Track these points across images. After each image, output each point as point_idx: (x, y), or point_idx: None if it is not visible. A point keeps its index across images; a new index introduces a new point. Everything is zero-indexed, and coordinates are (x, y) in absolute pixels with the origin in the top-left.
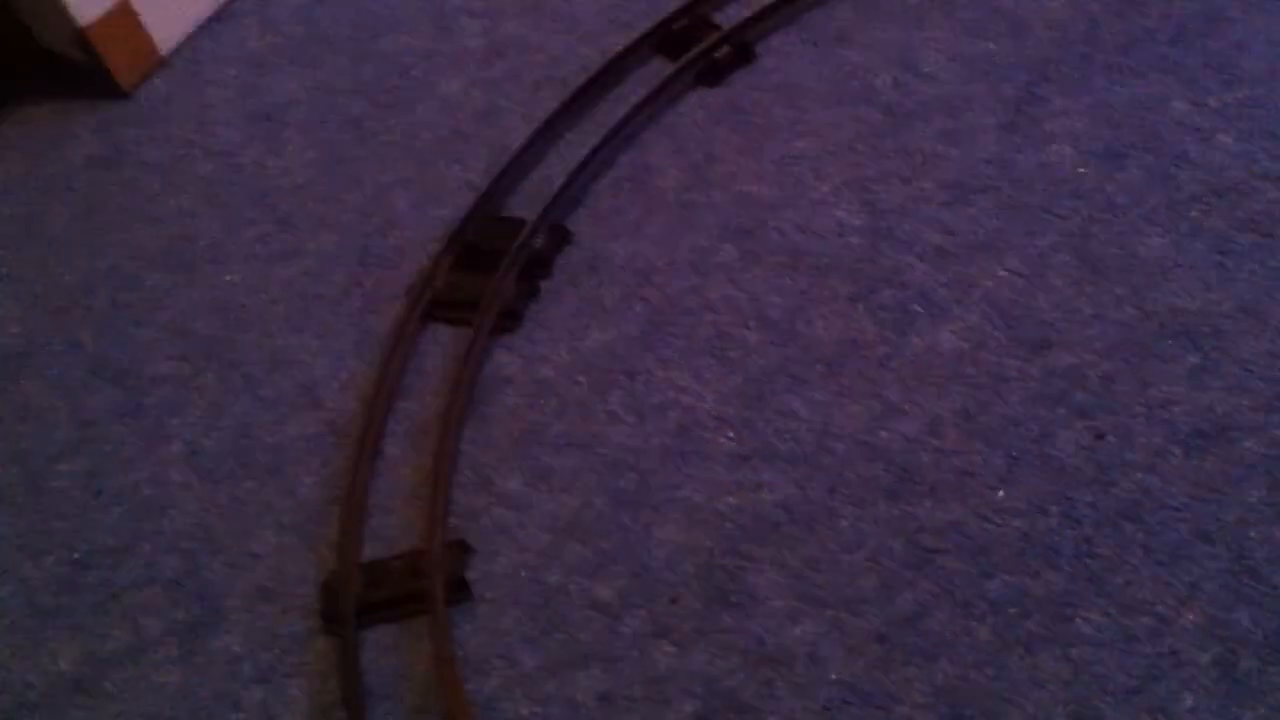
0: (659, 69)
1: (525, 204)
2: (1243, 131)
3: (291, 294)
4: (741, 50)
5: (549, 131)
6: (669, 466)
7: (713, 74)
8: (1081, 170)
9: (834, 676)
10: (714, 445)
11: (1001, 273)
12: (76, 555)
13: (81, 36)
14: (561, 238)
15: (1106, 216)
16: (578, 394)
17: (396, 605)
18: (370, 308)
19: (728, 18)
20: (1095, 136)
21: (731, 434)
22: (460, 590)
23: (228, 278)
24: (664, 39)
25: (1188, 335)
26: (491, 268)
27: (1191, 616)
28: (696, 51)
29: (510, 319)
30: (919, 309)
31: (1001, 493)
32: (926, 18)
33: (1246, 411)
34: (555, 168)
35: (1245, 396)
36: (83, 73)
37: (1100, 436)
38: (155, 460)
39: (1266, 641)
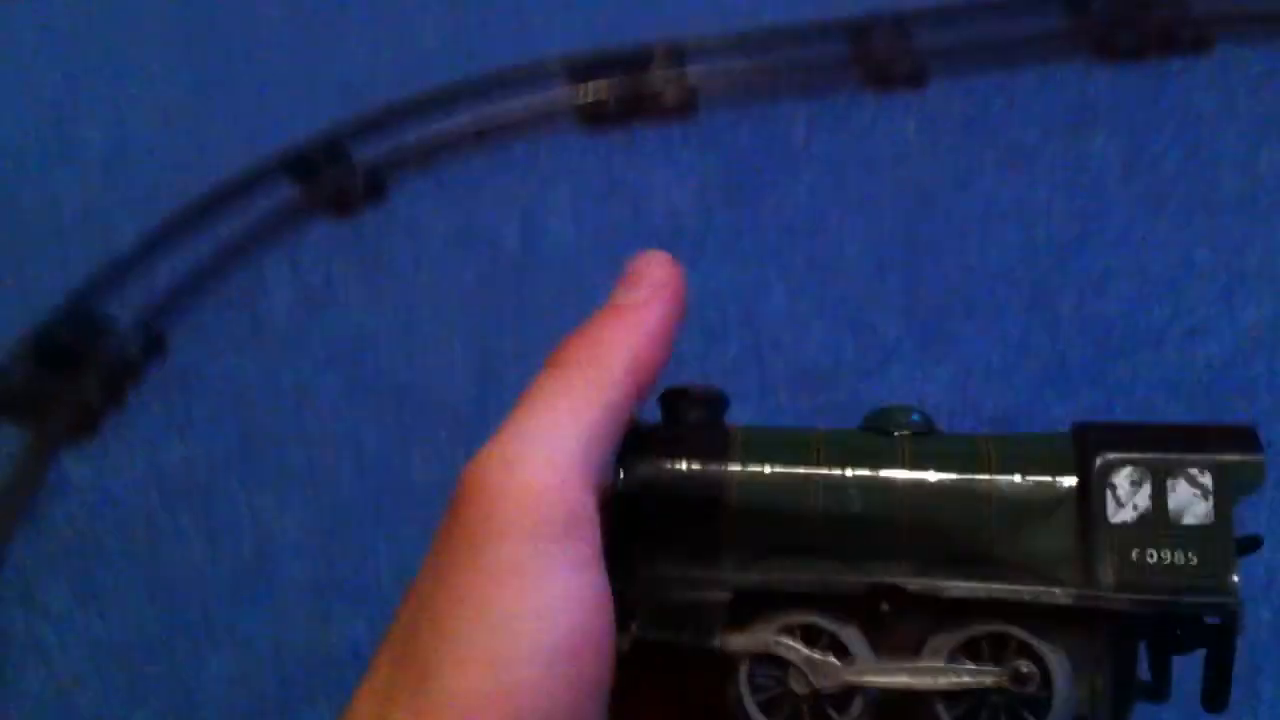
0: (288, 193)
1: (125, 308)
2: (833, 325)
3: None
4: (374, 185)
5: (163, 240)
6: (236, 595)
7: (342, 205)
8: (683, 346)
9: None
10: (288, 578)
11: None
12: None
13: None
14: (157, 347)
15: None
16: (147, 510)
17: None
18: None
19: (365, 152)
20: (700, 314)
21: (308, 567)
22: None
23: None
24: (297, 164)
25: None
26: (74, 369)
27: None
28: (328, 180)
29: (87, 424)
30: None
31: None
32: (556, 184)
33: None
34: (164, 277)
35: None
36: None
37: None
38: None
39: None
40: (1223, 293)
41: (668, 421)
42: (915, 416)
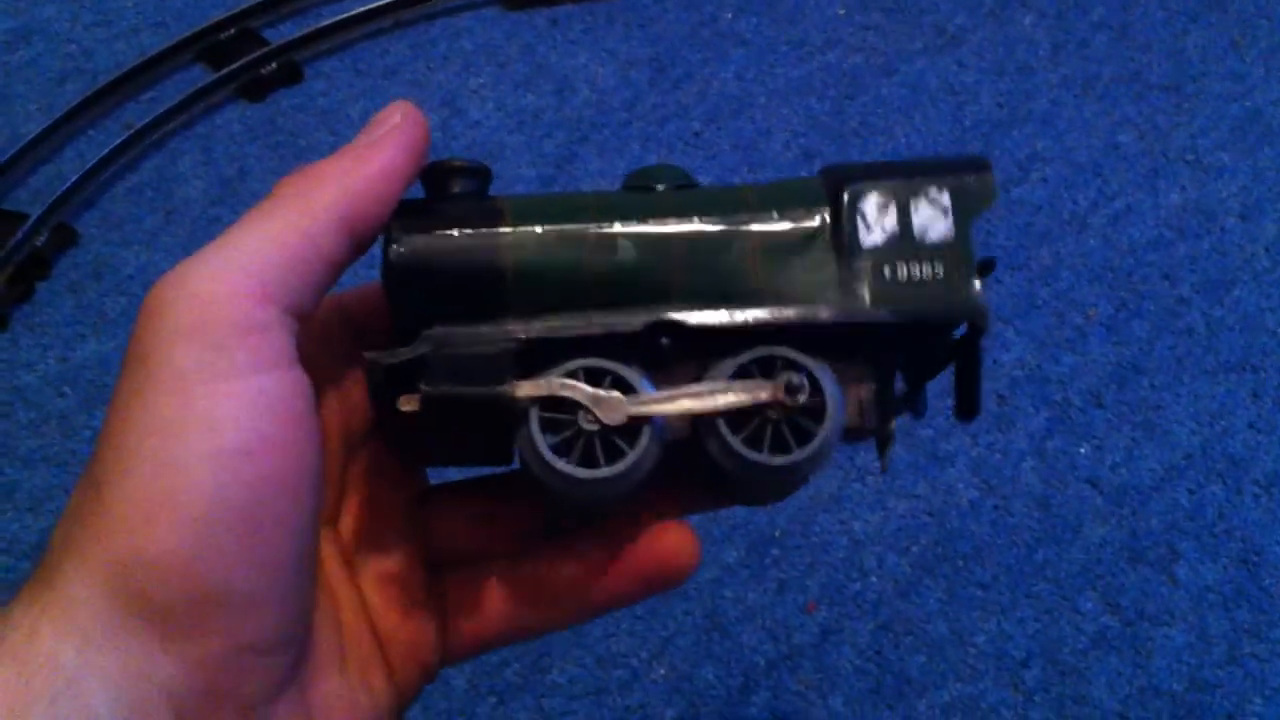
0: (198, 77)
1: (31, 199)
2: None
3: None
4: (289, 69)
5: (68, 126)
6: None
7: (256, 89)
8: None
9: None
10: None
11: None
12: None
13: None
14: (67, 238)
15: None
16: (61, 407)
17: None
18: None
19: (278, 35)
20: None
21: None
22: None
23: None
24: (208, 47)
25: None
26: None
27: (662, 671)
28: (241, 64)
29: None
30: None
31: None
32: (477, 67)
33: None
34: (71, 164)
35: None
36: None
37: None
38: None
39: (727, 697)
40: (1147, 176)
41: (432, 195)
42: (676, 176)
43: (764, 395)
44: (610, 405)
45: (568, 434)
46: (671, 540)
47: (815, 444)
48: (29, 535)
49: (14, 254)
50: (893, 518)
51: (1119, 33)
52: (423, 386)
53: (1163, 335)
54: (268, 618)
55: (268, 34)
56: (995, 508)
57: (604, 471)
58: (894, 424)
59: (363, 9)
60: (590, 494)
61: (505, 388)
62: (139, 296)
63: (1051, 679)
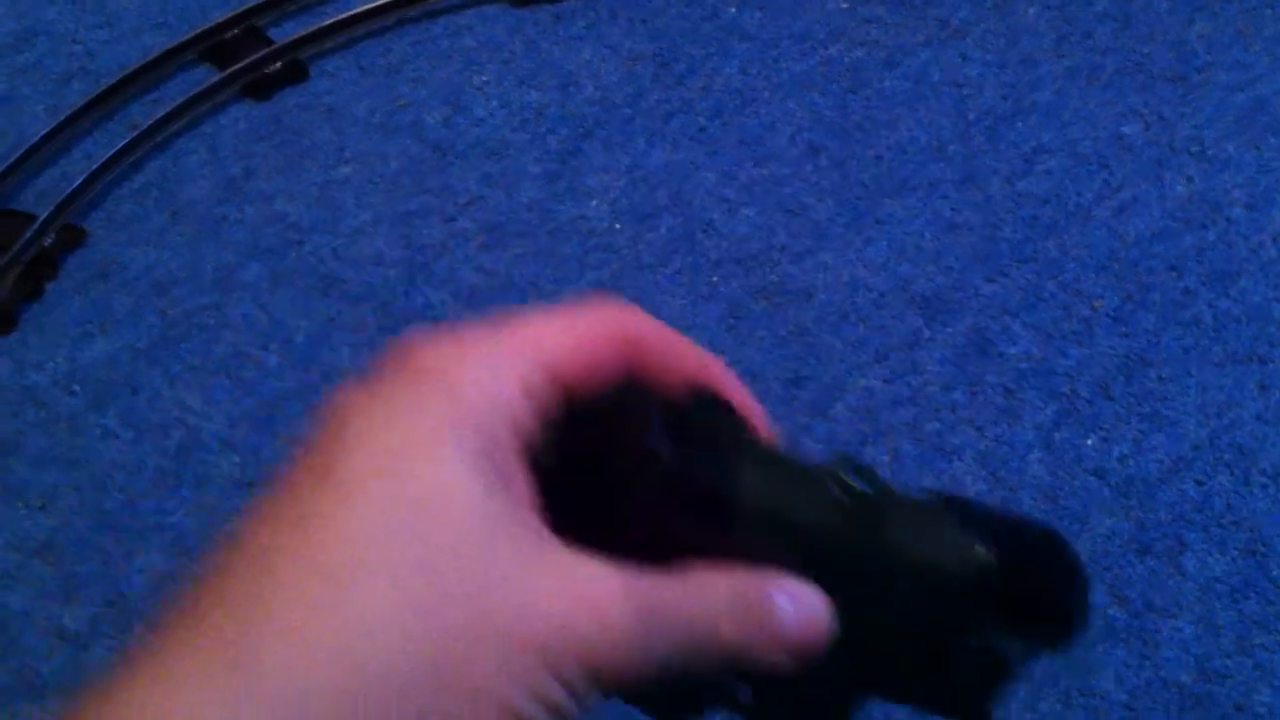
0: (203, 76)
1: (38, 200)
2: (764, 207)
3: None
4: (293, 68)
5: (74, 127)
6: (163, 490)
7: (260, 88)
8: (616, 226)
9: None
10: (216, 470)
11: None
12: None
13: None
14: (74, 238)
15: (634, 272)
16: (70, 406)
17: None
18: None
19: (282, 33)
20: (630, 196)
21: (237, 459)
22: None
23: None
24: (212, 47)
25: None
26: None
27: None
28: (245, 63)
29: (5, 319)
30: None
31: None
32: (480, 64)
33: None
34: (77, 165)
35: None
36: None
37: None
38: None
39: None
40: (1152, 167)
41: None
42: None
43: None
44: None
45: None
46: None
47: None
48: (39, 532)
49: (22, 254)
50: None
51: (1123, 23)
52: None
53: (1169, 327)
54: None
55: (272, 33)
56: (1003, 500)
57: None
58: None
59: (366, 7)
60: None
61: None
62: (146, 295)
63: (1059, 671)
